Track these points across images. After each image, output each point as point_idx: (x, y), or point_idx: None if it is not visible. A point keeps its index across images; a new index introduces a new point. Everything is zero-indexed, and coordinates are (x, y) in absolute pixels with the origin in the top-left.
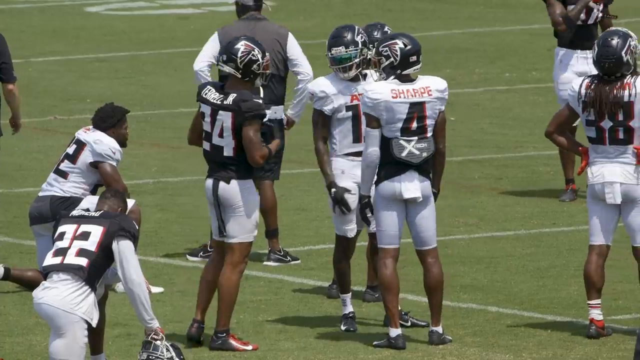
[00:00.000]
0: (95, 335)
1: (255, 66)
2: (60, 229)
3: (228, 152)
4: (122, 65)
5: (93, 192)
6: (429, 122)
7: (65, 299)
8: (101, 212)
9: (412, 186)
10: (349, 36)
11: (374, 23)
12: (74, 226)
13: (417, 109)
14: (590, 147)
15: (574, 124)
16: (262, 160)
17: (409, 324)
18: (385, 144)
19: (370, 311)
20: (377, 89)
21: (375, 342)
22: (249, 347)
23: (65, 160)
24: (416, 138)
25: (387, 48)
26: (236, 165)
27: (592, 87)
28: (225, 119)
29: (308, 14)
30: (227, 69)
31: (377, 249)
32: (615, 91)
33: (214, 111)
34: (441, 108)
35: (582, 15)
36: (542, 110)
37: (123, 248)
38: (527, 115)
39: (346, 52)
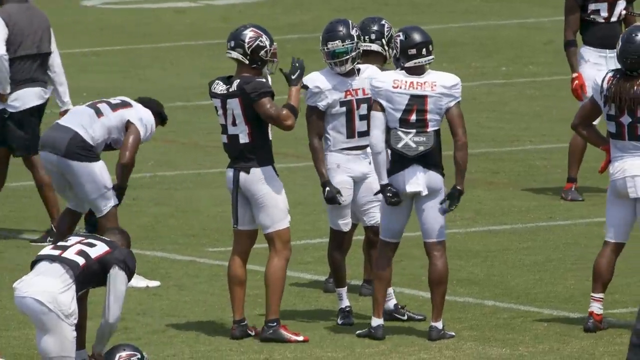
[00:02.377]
0: (77, 330)
1: (262, 52)
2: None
3: (244, 138)
4: (119, 59)
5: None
6: (430, 116)
7: (51, 294)
8: (113, 241)
9: (414, 180)
10: (344, 30)
11: (372, 17)
12: (83, 237)
13: (417, 102)
14: (610, 143)
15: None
16: (294, 122)
17: (405, 317)
18: (388, 134)
19: (367, 305)
20: (381, 77)
21: (357, 332)
22: (300, 338)
23: (104, 104)
24: (414, 131)
25: (393, 40)
26: (254, 152)
27: (614, 81)
28: (234, 106)
29: (305, 7)
30: (234, 55)
31: (373, 242)
32: (635, 87)
33: (223, 102)
34: (449, 104)
35: (605, 13)
36: (538, 104)
37: (119, 281)
38: (524, 109)
39: (342, 45)
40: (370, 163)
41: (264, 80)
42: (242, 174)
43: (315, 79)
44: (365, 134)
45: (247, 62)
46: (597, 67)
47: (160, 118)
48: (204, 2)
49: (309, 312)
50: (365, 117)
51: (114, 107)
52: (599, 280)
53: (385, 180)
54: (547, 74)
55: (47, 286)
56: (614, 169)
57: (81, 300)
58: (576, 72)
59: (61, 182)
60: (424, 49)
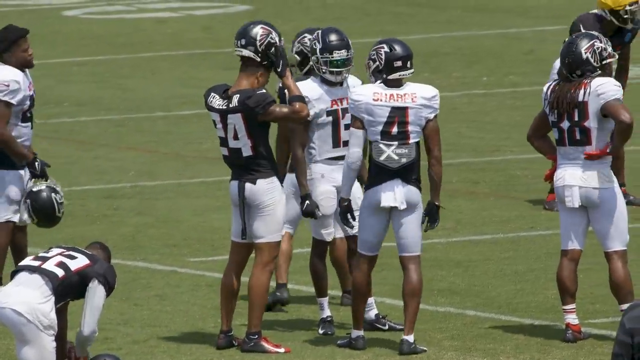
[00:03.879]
0: (57, 342)
1: (273, 49)
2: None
3: (247, 152)
4: (100, 68)
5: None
6: (412, 128)
7: (30, 304)
8: (94, 254)
9: (391, 195)
10: (345, 39)
11: (308, 28)
12: (64, 249)
13: (398, 114)
14: (557, 150)
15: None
16: (308, 110)
17: (386, 327)
18: (369, 147)
19: (348, 315)
20: (360, 90)
21: (338, 342)
22: (281, 350)
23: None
24: (396, 143)
25: (375, 52)
26: (258, 164)
27: (556, 88)
28: (236, 120)
29: (285, 17)
30: (246, 52)
31: (354, 252)
32: (572, 90)
33: (223, 116)
34: (429, 116)
35: None
36: (519, 114)
37: (98, 295)
38: (504, 119)
39: (347, 55)
40: None
41: (263, 90)
42: (248, 185)
43: (306, 88)
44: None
45: (258, 59)
46: None
47: (15, 42)
48: (185, 12)
49: (290, 322)
50: (349, 127)
51: None
52: (565, 293)
53: (348, 196)
54: (528, 84)
55: (26, 297)
56: (557, 176)
57: (61, 312)
58: None
59: None
60: (409, 62)
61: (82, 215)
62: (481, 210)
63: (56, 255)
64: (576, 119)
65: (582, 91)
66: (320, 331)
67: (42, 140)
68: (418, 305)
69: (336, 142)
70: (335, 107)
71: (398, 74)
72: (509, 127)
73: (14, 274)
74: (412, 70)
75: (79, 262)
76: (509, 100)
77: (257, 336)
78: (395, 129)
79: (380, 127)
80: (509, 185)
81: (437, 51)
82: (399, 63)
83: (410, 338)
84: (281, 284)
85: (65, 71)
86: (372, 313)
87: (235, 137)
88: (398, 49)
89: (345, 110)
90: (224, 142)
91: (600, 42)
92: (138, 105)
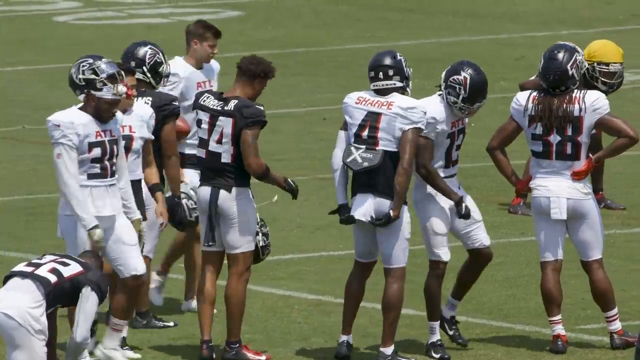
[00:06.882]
0: (48, 348)
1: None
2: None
3: (226, 158)
4: None
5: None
6: (382, 134)
7: (20, 309)
8: (87, 262)
9: (361, 208)
10: None
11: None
12: (57, 257)
13: (371, 118)
14: (533, 161)
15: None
16: (258, 168)
17: (451, 332)
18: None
19: (338, 321)
20: (352, 95)
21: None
22: (263, 357)
23: None
24: (364, 147)
25: None
26: (234, 173)
27: (540, 100)
28: (226, 124)
29: (276, 23)
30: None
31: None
32: (564, 105)
33: (214, 117)
34: (403, 127)
35: None
36: None
37: (91, 302)
38: (496, 124)
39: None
40: (460, 187)
41: (262, 108)
42: (223, 192)
43: (433, 111)
44: (456, 162)
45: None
46: None
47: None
48: (176, 18)
49: (281, 328)
50: (459, 147)
51: None
52: (552, 304)
53: (341, 200)
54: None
55: (17, 301)
56: (536, 185)
57: (50, 318)
58: None
59: None
60: (381, 73)
61: None
62: None
63: (49, 262)
64: (569, 133)
65: (576, 106)
66: (436, 355)
67: (33, 146)
68: (395, 319)
69: (448, 162)
70: (454, 129)
71: (372, 84)
72: None
73: (6, 280)
74: (388, 82)
75: (72, 269)
76: (500, 106)
77: (237, 345)
78: (365, 133)
79: (354, 130)
80: (500, 191)
81: (428, 57)
82: (372, 74)
83: (387, 350)
84: (144, 312)
85: (56, 77)
86: (448, 313)
87: (219, 142)
88: (374, 59)
89: (459, 132)
90: (204, 143)
91: (579, 53)
92: None
